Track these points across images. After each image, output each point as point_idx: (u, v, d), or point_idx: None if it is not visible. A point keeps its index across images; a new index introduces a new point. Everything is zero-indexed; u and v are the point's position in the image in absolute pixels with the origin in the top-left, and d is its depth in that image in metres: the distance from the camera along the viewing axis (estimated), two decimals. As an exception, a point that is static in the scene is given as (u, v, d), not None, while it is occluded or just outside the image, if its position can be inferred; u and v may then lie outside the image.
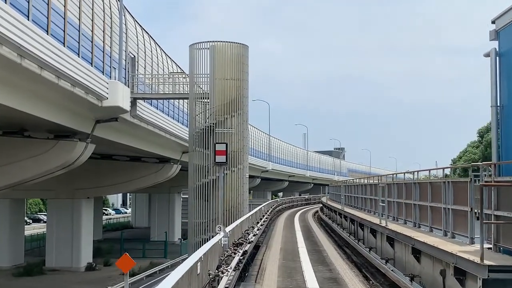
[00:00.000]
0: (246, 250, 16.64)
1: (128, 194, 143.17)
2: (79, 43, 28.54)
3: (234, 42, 37.31)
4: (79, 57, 28.32)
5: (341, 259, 21.94)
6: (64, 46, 26.39)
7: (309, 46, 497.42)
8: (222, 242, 14.41)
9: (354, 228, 27.80)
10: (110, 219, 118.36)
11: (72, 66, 26.70)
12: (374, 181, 26.85)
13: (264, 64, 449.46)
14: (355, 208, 32.05)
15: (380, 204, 19.92)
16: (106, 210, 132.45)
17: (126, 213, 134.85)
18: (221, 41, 37.15)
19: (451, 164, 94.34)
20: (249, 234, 22.12)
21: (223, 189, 33.35)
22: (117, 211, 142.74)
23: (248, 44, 38.28)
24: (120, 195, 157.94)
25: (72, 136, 33.67)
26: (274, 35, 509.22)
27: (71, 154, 33.74)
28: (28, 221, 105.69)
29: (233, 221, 34.74)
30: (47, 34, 24.56)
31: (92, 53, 30.53)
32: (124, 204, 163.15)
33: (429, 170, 17.77)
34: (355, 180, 37.80)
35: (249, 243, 19.74)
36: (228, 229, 16.00)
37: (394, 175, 23.40)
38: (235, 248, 15.56)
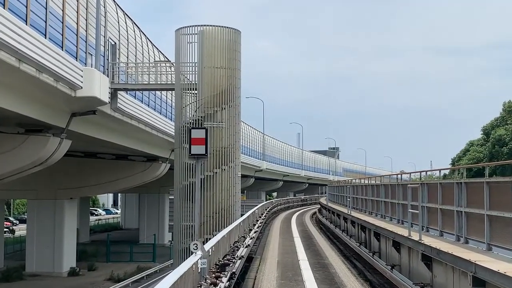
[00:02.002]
0: (234, 272, 12.95)
1: (119, 194, 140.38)
2: (46, 22, 24.90)
3: (225, 27, 33.68)
4: (46, 38, 24.73)
5: (354, 277, 17.91)
6: (26, 24, 22.82)
7: (304, 46, 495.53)
8: (199, 266, 10.64)
9: (365, 236, 23.85)
10: (99, 220, 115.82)
11: (36, 48, 23.03)
12: (390, 181, 23.00)
13: (259, 63, 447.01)
14: (365, 212, 28.18)
15: (410, 210, 15.66)
16: (96, 210, 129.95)
17: (117, 213, 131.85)
18: (211, 25, 33.55)
19: (451, 163, 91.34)
20: (239, 248, 17.88)
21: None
22: (108, 211, 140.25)
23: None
24: (111, 195, 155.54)
25: (45, 130, 30.33)
26: (269, 35, 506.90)
27: (43, 151, 30.44)
28: (14, 222, 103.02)
29: (224, 226, 31.43)
30: (4, 8, 21.00)
31: (62, 35, 26.88)
32: (115, 204, 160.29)
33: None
34: (364, 180, 33.97)
35: (240, 258, 15.85)
36: (208, 245, 12.18)
37: (424, 172, 19.21)
38: (218, 274, 11.61)
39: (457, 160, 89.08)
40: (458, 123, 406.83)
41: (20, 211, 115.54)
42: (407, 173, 23.63)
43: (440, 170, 17.90)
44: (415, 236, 14.71)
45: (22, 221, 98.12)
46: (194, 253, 10.62)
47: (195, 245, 10.55)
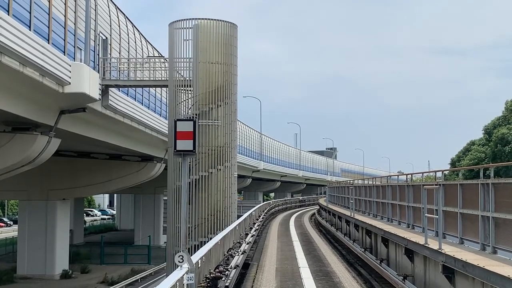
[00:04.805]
0: (227, 286, 11.48)
1: (115, 194, 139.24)
2: (30, 13, 23.51)
3: (220, 20, 32.27)
4: (30, 30, 23.33)
5: (360, 288, 16.57)
6: (8, 14, 21.43)
7: (302, 47, 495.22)
8: (185, 282, 9.08)
9: (371, 242, 22.38)
10: (94, 220, 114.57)
11: (19, 40, 21.68)
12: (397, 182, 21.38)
13: (257, 63, 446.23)
14: (369, 215, 26.81)
15: (426, 215, 13.80)
16: (92, 211, 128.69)
17: (112, 214, 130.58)
18: (206, 19, 32.13)
19: (450, 164, 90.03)
20: (233, 257, 16.27)
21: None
22: (104, 212, 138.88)
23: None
24: (106, 195, 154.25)
25: (32, 129, 29.07)
26: (267, 36, 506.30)
27: (31, 150, 29.25)
28: (8, 223, 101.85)
29: (221, 228, 30.11)
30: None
31: (49, 27, 25.48)
32: (111, 204, 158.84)
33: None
34: (368, 181, 32.52)
35: (235, 268, 14.32)
36: (197, 255, 10.65)
37: (440, 172, 17.43)
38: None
39: (457, 160, 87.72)
40: (456, 123, 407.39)
41: (15, 212, 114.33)
42: (421, 172, 22.16)
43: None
44: (432, 244, 13.17)
45: (17, 222, 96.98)
46: (179, 267, 9.12)
47: (181, 257, 9.05)
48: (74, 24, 28.70)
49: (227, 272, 13.14)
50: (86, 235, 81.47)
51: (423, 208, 14.67)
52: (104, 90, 32.36)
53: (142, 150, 47.30)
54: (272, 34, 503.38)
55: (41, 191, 48.61)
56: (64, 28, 27.49)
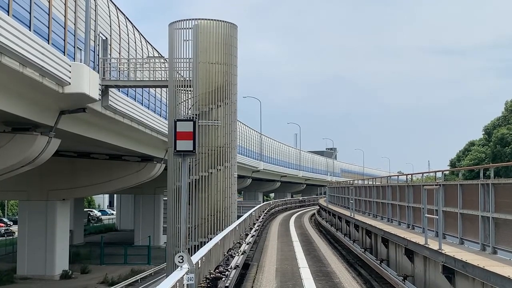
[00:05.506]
0: (227, 287, 11.46)
1: (115, 194, 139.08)
2: (30, 13, 23.52)
3: (220, 21, 32.28)
4: (30, 30, 23.33)
5: (360, 288, 16.51)
6: (8, 15, 21.42)
7: (302, 47, 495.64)
8: (185, 282, 9.03)
9: (371, 242, 22.36)
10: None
11: (19, 40, 21.67)
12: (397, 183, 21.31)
13: (257, 63, 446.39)
14: (369, 215, 26.82)
15: (426, 215, 13.63)
16: (92, 211, 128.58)
17: (113, 214, 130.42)
18: (206, 19, 32.15)
19: (449, 164, 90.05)
20: (233, 257, 16.24)
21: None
22: (104, 212, 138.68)
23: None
24: (106, 195, 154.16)
25: (32, 129, 29.05)
26: (267, 36, 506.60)
27: (31, 150, 29.20)
28: (8, 223, 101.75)
29: (221, 228, 30.09)
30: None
31: (49, 28, 25.49)
32: (111, 205, 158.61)
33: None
34: (368, 181, 32.47)
35: (235, 268, 14.29)
36: (197, 256, 10.61)
37: (440, 172, 17.27)
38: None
39: (456, 160, 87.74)
40: (456, 123, 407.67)
41: (15, 212, 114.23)
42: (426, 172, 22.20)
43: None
44: (432, 245, 13.11)
45: (16, 222, 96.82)
46: (179, 267, 9.09)
47: (181, 257, 9.03)
48: (74, 24, 28.71)
49: (227, 272, 13.10)
50: (86, 236, 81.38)
51: (423, 208, 14.66)
52: (104, 91, 32.38)
53: (142, 151, 47.26)
54: (272, 34, 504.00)
55: (41, 191, 48.59)
56: (64, 29, 27.49)
